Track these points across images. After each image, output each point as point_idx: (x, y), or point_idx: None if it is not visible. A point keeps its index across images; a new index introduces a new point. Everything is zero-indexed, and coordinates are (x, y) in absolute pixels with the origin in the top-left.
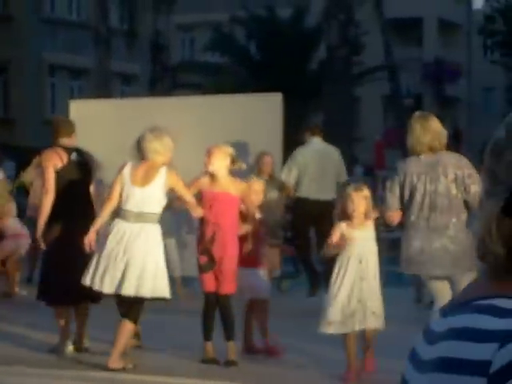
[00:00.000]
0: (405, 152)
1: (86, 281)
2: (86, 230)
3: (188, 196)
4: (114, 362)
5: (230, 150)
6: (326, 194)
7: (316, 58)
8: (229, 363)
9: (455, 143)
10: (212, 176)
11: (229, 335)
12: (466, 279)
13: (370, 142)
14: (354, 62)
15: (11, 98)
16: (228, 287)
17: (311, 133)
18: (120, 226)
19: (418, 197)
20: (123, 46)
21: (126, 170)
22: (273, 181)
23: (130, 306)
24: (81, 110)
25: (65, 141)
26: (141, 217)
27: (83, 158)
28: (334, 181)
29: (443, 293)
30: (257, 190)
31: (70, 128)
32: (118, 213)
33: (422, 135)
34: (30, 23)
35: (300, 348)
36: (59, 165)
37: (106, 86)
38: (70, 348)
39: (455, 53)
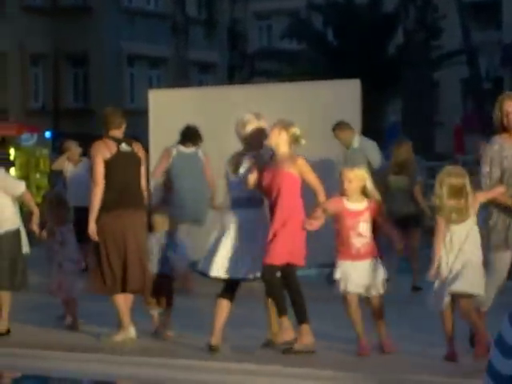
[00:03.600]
0: (484, 136)
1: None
2: (135, 219)
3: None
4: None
5: (291, 128)
6: None
7: (393, 43)
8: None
9: None
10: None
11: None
12: None
13: (449, 127)
14: (432, 47)
15: (91, 89)
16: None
17: None
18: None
19: None
20: (201, 34)
21: None
22: None
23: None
24: (160, 100)
25: (114, 132)
26: None
27: (132, 148)
28: None
29: None
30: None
31: (119, 119)
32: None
33: None
34: (109, 14)
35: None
36: (108, 156)
37: (184, 75)
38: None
39: None
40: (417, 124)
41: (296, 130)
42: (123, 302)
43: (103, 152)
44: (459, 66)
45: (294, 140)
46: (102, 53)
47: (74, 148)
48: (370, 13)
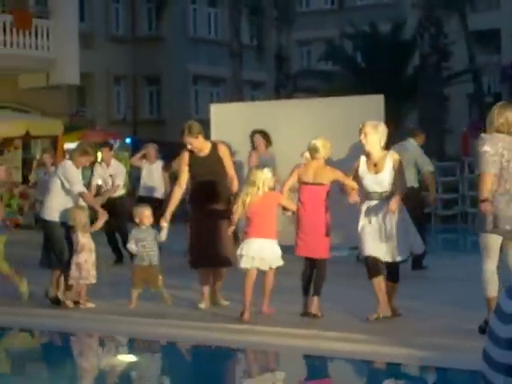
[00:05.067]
0: None
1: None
2: (217, 210)
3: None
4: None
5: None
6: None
7: (411, 65)
8: (310, 315)
9: None
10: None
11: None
12: None
13: (457, 134)
14: (444, 67)
15: (163, 103)
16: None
17: (410, 134)
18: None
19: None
20: (252, 58)
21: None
22: None
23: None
24: (219, 112)
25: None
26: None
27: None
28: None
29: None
30: None
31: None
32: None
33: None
34: (177, 42)
35: None
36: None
37: (239, 91)
38: (204, 304)
39: None
40: (430, 131)
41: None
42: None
43: (185, 159)
44: (466, 83)
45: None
46: (171, 74)
47: (152, 150)
48: (392, 39)
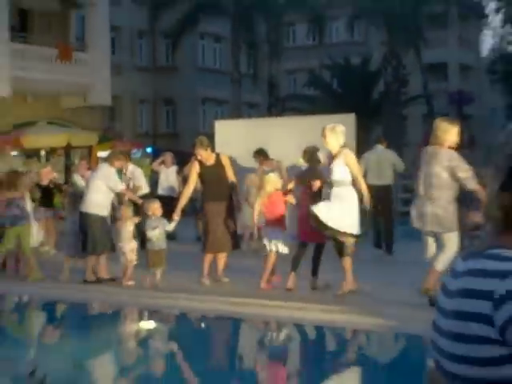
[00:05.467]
0: None
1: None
2: (224, 206)
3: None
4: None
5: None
6: (383, 180)
7: (377, 90)
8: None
9: (470, 146)
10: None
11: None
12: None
13: (413, 146)
14: (402, 92)
15: (176, 120)
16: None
17: (376, 142)
18: None
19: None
20: (249, 83)
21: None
22: None
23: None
24: (222, 127)
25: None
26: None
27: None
28: (389, 171)
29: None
30: None
31: (206, 143)
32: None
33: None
34: (189, 71)
35: None
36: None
37: (238, 111)
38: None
39: (470, 84)
40: (392, 143)
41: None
42: None
43: (196, 166)
44: (420, 106)
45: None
46: (184, 96)
47: (169, 157)
48: (362, 70)
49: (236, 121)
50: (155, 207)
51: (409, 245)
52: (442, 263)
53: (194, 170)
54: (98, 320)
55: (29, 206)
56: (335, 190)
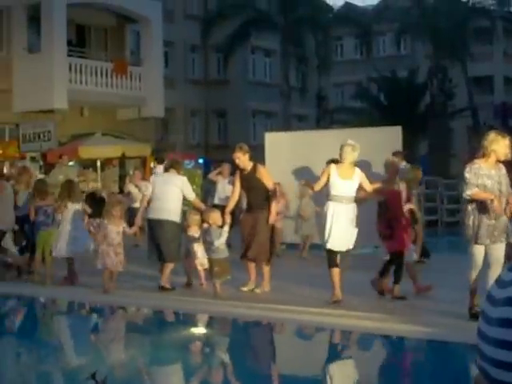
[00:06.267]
0: None
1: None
2: (261, 215)
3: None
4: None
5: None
6: None
7: (423, 103)
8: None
9: None
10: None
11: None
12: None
13: (459, 157)
14: (449, 105)
15: (228, 132)
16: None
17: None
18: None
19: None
20: (298, 97)
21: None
22: None
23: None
24: (272, 139)
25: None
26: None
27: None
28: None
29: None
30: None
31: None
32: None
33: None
34: (240, 84)
35: None
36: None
37: (287, 123)
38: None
39: None
40: (438, 156)
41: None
42: None
43: (238, 176)
44: (466, 118)
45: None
46: (235, 109)
47: (227, 169)
48: (408, 83)
49: (285, 133)
50: (216, 217)
51: (452, 254)
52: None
53: (237, 179)
54: (163, 326)
55: (70, 213)
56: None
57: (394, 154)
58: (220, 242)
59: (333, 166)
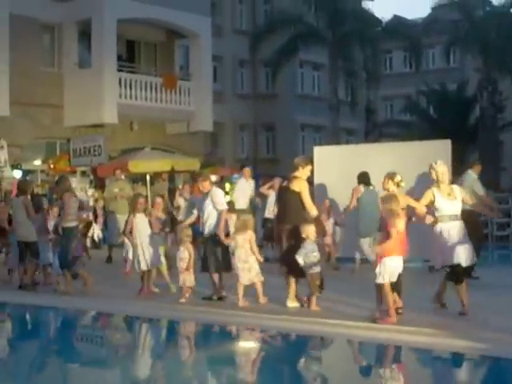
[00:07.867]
0: None
1: None
2: (293, 229)
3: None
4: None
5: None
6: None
7: (473, 116)
8: None
9: None
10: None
11: None
12: None
13: (509, 171)
14: (499, 118)
15: (276, 145)
16: None
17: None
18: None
19: None
20: (347, 110)
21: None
22: None
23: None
24: (321, 152)
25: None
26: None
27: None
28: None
29: None
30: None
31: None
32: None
33: None
34: (288, 98)
35: None
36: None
37: (336, 136)
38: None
39: None
40: (488, 169)
41: (398, 178)
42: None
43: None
44: None
45: (397, 184)
46: (283, 123)
47: (278, 183)
48: (457, 96)
49: (334, 146)
50: (311, 230)
51: (504, 268)
52: None
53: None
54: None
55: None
56: None
57: (471, 166)
58: (317, 256)
59: (434, 188)
